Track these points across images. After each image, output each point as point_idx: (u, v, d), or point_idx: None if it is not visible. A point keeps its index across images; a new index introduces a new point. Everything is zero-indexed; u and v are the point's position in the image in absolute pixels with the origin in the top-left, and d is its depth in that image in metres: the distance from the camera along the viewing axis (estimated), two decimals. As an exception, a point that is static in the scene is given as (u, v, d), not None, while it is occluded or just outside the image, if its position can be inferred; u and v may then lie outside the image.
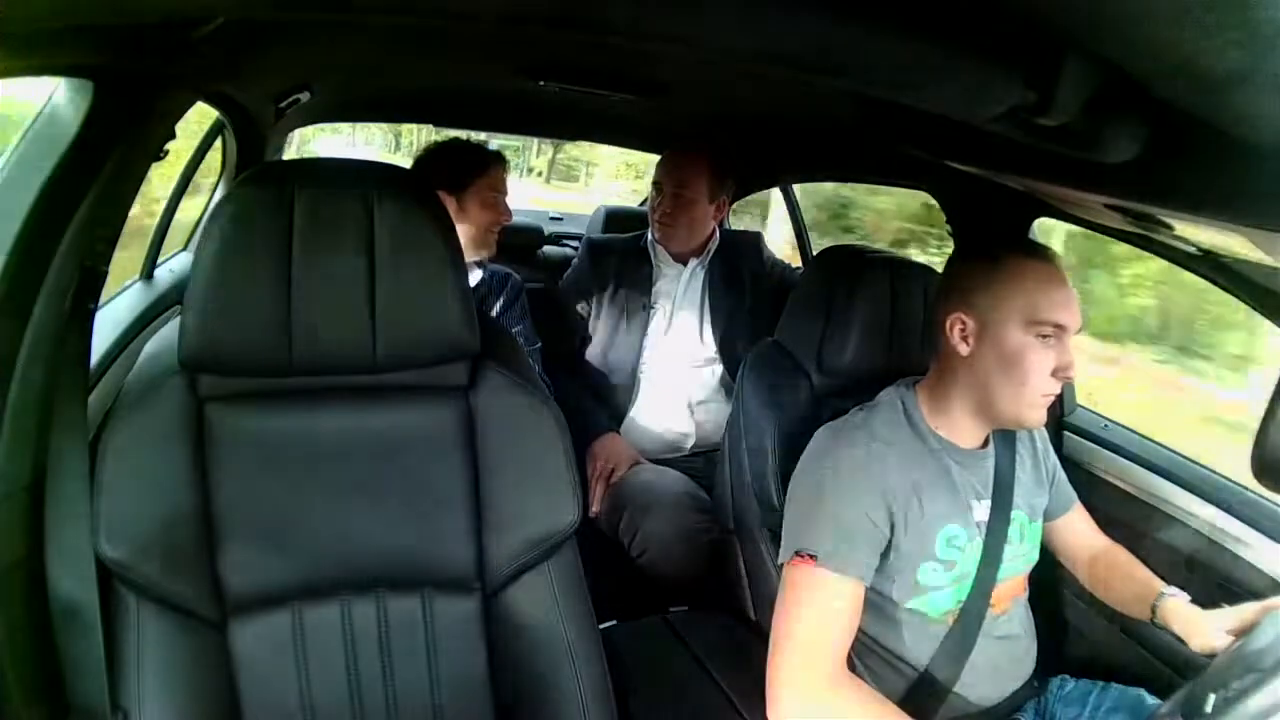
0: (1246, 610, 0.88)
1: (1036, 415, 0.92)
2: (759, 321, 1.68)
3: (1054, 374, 0.89)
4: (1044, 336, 0.88)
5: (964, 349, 0.91)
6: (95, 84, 0.68)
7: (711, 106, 1.50)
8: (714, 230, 1.70)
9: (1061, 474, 1.10)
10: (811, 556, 0.87)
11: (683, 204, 1.61)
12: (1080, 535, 1.10)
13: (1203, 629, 0.90)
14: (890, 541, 0.91)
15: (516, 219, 2.49)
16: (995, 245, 0.94)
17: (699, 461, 1.62)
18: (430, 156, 1.57)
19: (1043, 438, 1.08)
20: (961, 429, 0.96)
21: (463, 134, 1.81)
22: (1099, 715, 0.99)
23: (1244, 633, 0.84)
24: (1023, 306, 0.88)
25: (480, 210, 1.50)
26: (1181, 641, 0.94)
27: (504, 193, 1.55)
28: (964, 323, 0.91)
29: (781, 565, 0.92)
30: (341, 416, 0.86)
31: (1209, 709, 0.68)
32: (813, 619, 0.86)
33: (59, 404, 0.73)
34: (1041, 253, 0.92)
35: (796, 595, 0.88)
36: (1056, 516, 1.08)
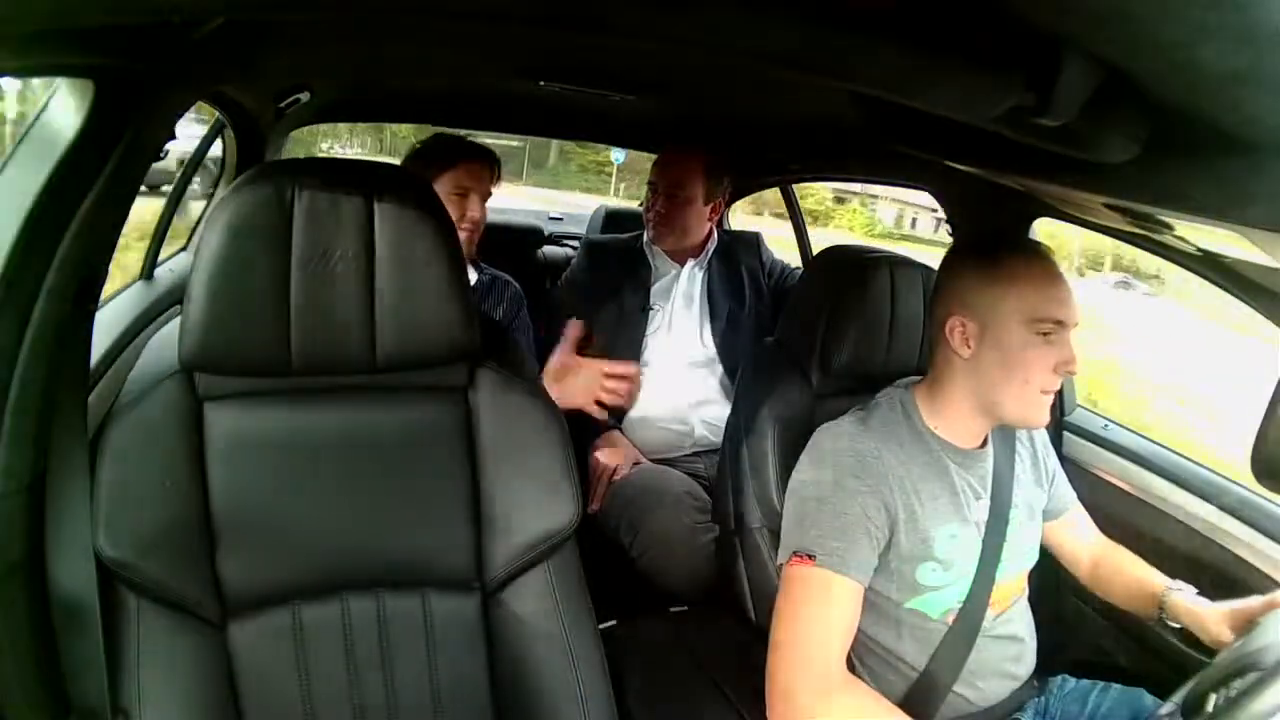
0: (1254, 603, 0.88)
1: (1041, 414, 0.92)
2: (758, 322, 1.69)
3: (1055, 370, 0.89)
4: (1044, 334, 0.88)
5: (965, 351, 0.92)
6: (95, 84, 0.68)
7: (711, 106, 1.50)
8: (711, 231, 1.70)
9: (1061, 474, 1.10)
10: (810, 556, 0.87)
11: (677, 204, 1.61)
12: (1080, 535, 1.10)
13: (1212, 622, 0.90)
14: (889, 541, 0.91)
15: (516, 218, 2.50)
16: (989, 246, 0.95)
17: (699, 461, 1.61)
18: (414, 150, 1.54)
19: (1042, 437, 1.08)
20: (961, 429, 0.96)
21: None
22: (1099, 715, 0.99)
23: (1251, 626, 0.84)
24: (1022, 306, 0.88)
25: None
26: (1189, 643, 0.94)
27: (476, 191, 1.47)
28: (964, 325, 0.91)
29: (781, 565, 0.92)
30: (341, 416, 0.86)
31: (1210, 709, 0.68)
32: (812, 619, 0.86)
33: (59, 404, 0.73)
34: (1036, 250, 0.92)
35: (795, 596, 0.87)
36: (1056, 516, 1.08)
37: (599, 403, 1.44)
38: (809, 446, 0.98)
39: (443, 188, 1.45)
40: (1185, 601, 0.95)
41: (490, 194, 1.55)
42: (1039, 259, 0.91)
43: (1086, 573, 1.10)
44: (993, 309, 0.89)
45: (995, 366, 0.90)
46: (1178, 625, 0.96)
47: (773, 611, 0.89)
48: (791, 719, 0.83)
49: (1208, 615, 0.92)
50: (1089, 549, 1.09)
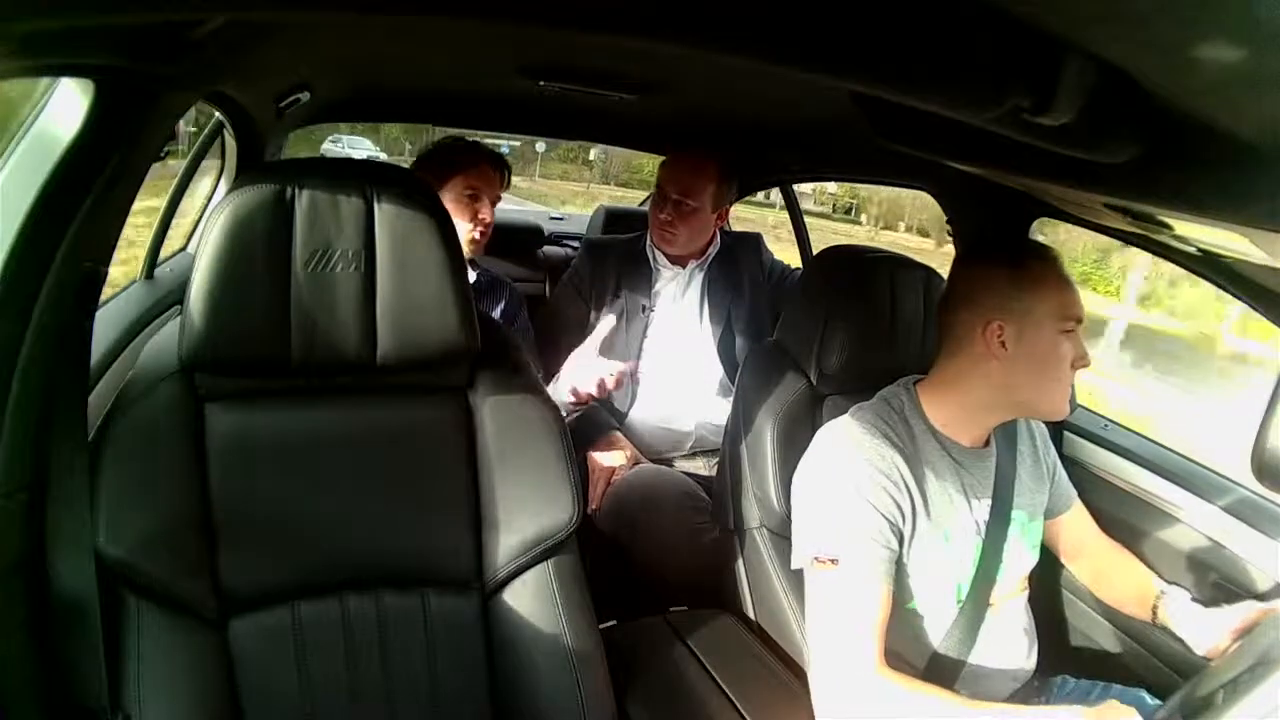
0: (1249, 611, 0.88)
1: (1066, 404, 0.95)
2: (758, 322, 1.69)
3: (1073, 365, 0.93)
4: (1068, 332, 0.92)
5: (1002, 354, 0.93)
6: (95, 84, 0.68)
7: (712, 106, 1.50)
8: (714, 234, 1.70)
9: (1061, 471, 1.10)
10: (833, 560, 0.88)
11: (685, 212, 1.60)
12: (1081, 533, 1.10)
13: (1204, 629, 0.91)
14: (900, 537, 0.91)
15: (517, 217, 2.51)
16: (1012, 253, 0.97)
17: (698, 462, 1.61)
18: (427, 151, 1.55)
19: (1042, 434, 1.09)
20: (967, 427, 0.97)
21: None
22: (1099, 715, 0.99)
23: (1246, 633, 0.85)
24: (1053, 308, 0.92)
25: (453, 208, 1.45)
26: (1182, 643, 0.94)
27: (486, 194, 1.49)
28: (1001, 328, 0.93)
29: (795, 574, 0.92)
30: (341, 416, 0.86)
31: (1219, 700, 0.68)
32: (845, 622, 0.86)
33: (59, 404, 0.73)
34: (1052, 254, 0.96)
35: (826, 600, 0.88)
36: (1057, 514, 1.09)
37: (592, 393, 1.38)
38: (814, 447, 0.98)
39: (455, 188, 1.46)
40: (1177, 608, 0.97)
41: (499, 198, 1.56)
42: (1057, 264, 0.95)
43: (1087, 571, 1.11)
44: (1029, 312, 0.92)
45: (1029, 366, 0.93)
46: (1171, 630, 0.97)
47: (773, 611, 0.89)
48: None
49: (1199, 623, 0.93)
50: (1090, 547, 1.10)
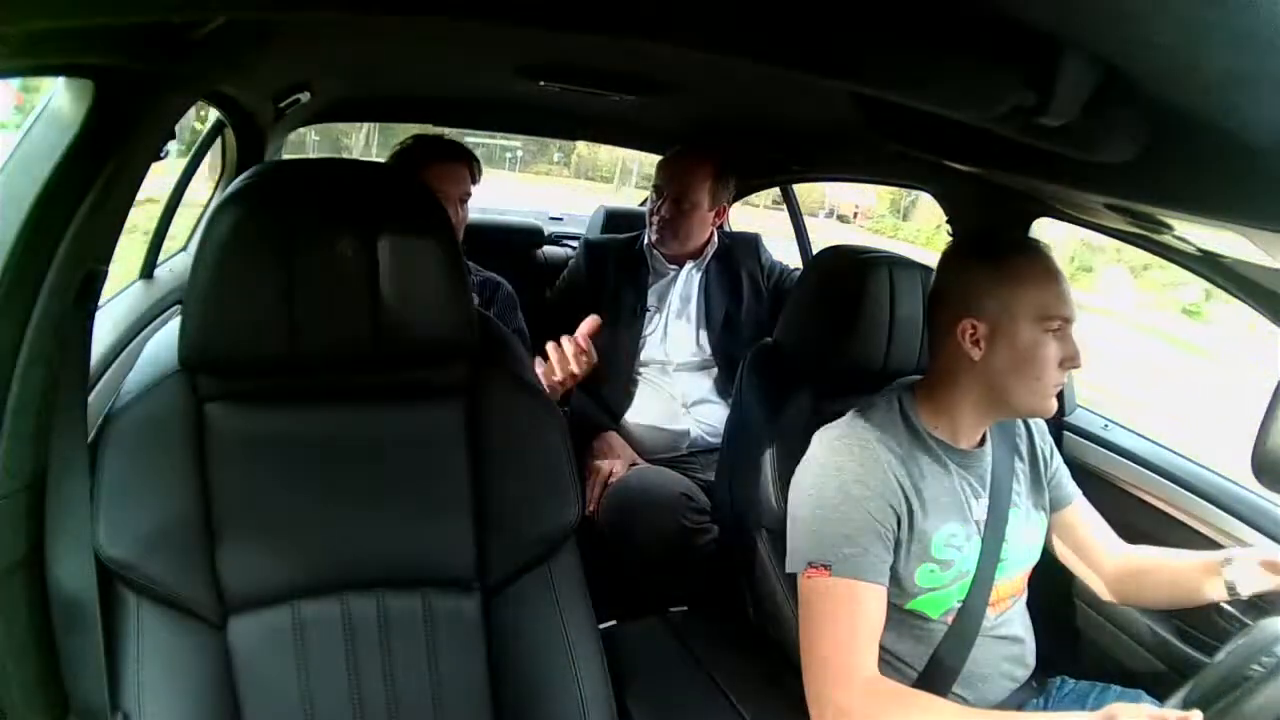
0: None
1: (1052, 404, 0.93)
2: (757, 322, 1.69)
3: (1061, 365, 0.90)
4: (1053, 331, 0.89)
5: (976, 353, 0.91)
6: (95, 84, 0.68)
7: (711, 107, 1.50)
8: (712, 234, 1.70)
9: (1063, 470, 1.08)
10: (826, 567, 0.87)
11: (683, 211, 1.60)
12: (1093, 536, 1.07)
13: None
14: (896, 541, 0.91)
15: (517, 219, 2.51)
16: (994, 247, 0.95)
17: (695, 462, 1.61)
18: (393, 155, 1.54)
19: (1040, 429, 1.08)
20: (962, 429, 0.96)
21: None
22: (1099, 715, 0.99)
23: None
24: (1033, 306, 0.89)
25: None
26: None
27: (450, 194, 1.44)
28: (974, 328, 0.91)
29: (793, 575, 0.92)
30: (342, 416, 0.86)
31: (1253, 675, 0.67)
32: (838, 630, 0.86)
33: (59, 404, 0.73)
34: (1038, 249, 0.93)
35: (819, 608, 0.87)
36: (1060, 507, 1.07)
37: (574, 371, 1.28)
38: (810, 453, 0.98)
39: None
40: (1249, 564, 0.91)
41: (470, 194, 1.52)
42: (1043, 258, 0.91)
43: (1110, 577, 1.05)
44: (1005, 310, 0.90)
45: (1008, 367, 0.90)
46: (1249, 594, 0.91)
47: (772, 611, 0.89)
48: None
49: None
50: (1109, 554, 1.06)
